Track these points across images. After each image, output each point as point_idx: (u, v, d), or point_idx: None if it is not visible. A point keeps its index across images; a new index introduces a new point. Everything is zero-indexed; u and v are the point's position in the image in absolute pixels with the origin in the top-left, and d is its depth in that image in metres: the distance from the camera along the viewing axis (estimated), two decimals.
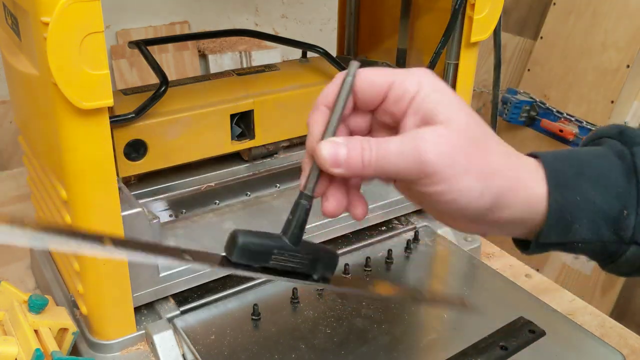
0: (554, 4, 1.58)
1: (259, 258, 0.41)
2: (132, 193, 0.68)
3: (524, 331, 0.66)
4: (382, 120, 0.43)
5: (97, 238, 0.37)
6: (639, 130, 0.45)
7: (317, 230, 0.75)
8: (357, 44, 1.00)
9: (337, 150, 0.40)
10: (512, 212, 0.42)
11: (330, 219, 0.76)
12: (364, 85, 0.41)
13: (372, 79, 0.41)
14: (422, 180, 0.40)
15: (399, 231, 0.84)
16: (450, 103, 0.40)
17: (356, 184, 0.44)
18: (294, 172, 0.85)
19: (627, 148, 0.43)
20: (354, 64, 0.41)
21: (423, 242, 0.82)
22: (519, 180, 0.42)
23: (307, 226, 0.80)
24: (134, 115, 0.70)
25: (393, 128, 0.43)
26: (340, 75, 0.42)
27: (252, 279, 0.73)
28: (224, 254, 0.41)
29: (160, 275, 0.66)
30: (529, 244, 0.45)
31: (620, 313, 1.52)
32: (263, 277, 0.44)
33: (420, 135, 0.39)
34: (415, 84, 0.40)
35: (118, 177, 0.62)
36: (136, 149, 0.73)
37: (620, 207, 0.42)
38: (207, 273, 0.69)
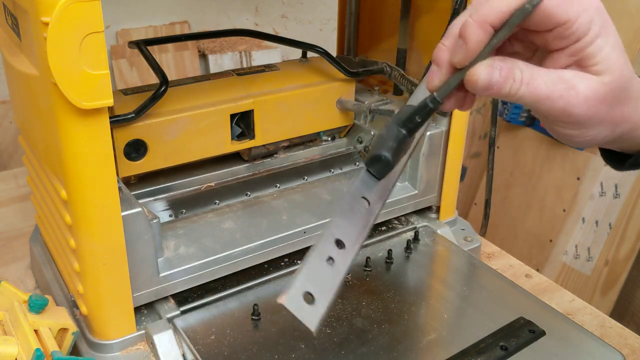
0: None
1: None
2: (132, 193, 0.68)
3: (524, 331, 0.66)
4: (529, 40, 0.43)
5: None
6: None
7: (317, 230, 0.75)
8: (357, 44, 1.00)
9: (491, 76, 0.40)
10: (625, 145, 0.47)
11: (329, 219, 0.76)
12: (538, 16, 0.39)
13: (551, 12, 0.39)
14: (559, 122, 0.42)
15: (399, 231, 0.84)
16: (611, 50, 0.40)
17: None
18: (294, 172, 0.85)
19: None
20: None
21: (423, 242, 0.82)
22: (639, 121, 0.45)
23: (308, 226, 0.80)
24: (133, 115, 0.70)
25: (534, 49, 0.44)
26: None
27: (251, 279, 0.73)
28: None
29: (160, 275, 0.66)
30: (622, 161, 0.49)
31: (620, 313, 1.52)
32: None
33: (573, 85, 0.40)
34: (586, 25, 0.39)
35: (118, 177, 0.62)
36: (136, 149, 0.73)
37: None
38: (207, 273, 0.69)
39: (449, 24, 0.74)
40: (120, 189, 0.61)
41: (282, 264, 0.75)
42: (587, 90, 0.40)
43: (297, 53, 0.93)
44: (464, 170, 1.83)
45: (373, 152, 0.44)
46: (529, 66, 0.40)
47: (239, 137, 0.81)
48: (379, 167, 0.44)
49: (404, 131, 0.43)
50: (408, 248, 0.80)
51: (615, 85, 0.41)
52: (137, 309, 0.66)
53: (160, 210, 0.75)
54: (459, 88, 0.42)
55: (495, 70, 0.40)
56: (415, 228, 0.84)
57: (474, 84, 0.40)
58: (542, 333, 0.66)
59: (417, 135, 0.45)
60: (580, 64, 0.41)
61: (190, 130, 0.76)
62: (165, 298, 0.68)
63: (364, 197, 0.45)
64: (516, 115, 1.61)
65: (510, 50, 0.45)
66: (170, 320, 0.66)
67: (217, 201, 0.79)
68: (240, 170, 0.84)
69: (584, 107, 0.40)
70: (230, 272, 0.71)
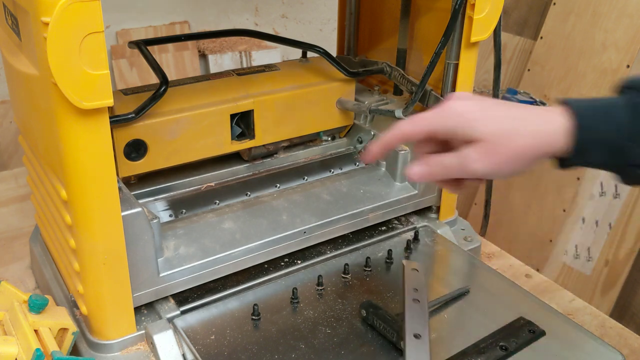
0: (554, 4, 1.58)
1: None
2: (132, 193, 0.68)
3: (524, 331, 0.66)
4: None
5: None
6: None
7: (317, 230, 0.75)
8: (357, 44, 1.00)
9: (421, 172, 0.57)
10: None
11: (329, 219, 0.77)
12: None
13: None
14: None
15: (399, 231, 0.84)
16: (481, 122, 0.55)
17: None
18: (294, 172, 0.85)
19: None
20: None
21: (423, 242, 0.82)
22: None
23: (308, 226, 0.80)
24: (134, 115, 0.70)
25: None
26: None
27: (251, 279, 0.73)
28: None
29: (160, 275, 0.66)
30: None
31: (620, 313, 1.52)
32: None
33: (466, 154, 0.55)
34: (454, 125, 0.56)
35: (118, 177, 0.62)
36: (136, 149, 0.73)
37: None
38: (207, 273, 0.69)
39: (449, 25, 0.75)
40: (120, 189, 0.61)
41: (282, 264, 0.75)
42: (477, 154, 0.55)
43: (297, 53, 0.93)
44: None
45: None
46: (441, 159, 0.58)
47: (239, 137, 0.81)
48: None
49: None
50: (408, 248, 0.80)
51: (492, 141, 0.55)
52: (137, 309, 0.66)
53: (160, 210, 0.75)
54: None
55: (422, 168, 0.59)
56: (415, 228, 0.84)
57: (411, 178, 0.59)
58: (542, 333, 0.66)
59: None
60: (469, 142, 0.56)
61: (190, 130, 0.76)
62: (165, 298, 0.68)
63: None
64: None
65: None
66: (170, 320, 0.66)
67: (217, 201, 0.79)
68: (240, 170, 0.84)
69: (480, 165, 0.55)
70: (230, 272, 0.71)
